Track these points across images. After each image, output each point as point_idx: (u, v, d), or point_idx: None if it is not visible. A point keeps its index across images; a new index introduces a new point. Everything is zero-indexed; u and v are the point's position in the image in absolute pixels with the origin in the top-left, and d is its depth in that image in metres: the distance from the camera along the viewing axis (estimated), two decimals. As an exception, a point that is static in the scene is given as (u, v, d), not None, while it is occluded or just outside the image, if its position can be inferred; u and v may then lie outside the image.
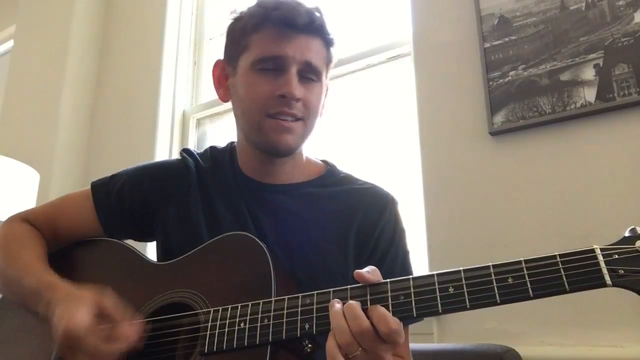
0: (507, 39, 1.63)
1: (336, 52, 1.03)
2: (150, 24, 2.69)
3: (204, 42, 2.71)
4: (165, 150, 2.47)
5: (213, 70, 1.06)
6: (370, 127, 2.06)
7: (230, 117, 2.59)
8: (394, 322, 0.69)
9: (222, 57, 1.05)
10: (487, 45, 1.66)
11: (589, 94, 1.46)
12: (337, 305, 0.72)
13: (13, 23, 3.20)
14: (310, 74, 0.96)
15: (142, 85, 2.61)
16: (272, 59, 0.93)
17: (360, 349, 0.69)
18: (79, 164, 2.67)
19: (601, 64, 1.46)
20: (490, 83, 1.62)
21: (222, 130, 2.51)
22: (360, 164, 1.99)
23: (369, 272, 0.75)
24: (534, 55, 1.58)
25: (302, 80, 0.95)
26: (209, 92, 2.60)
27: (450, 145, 1.68)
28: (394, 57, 2.03)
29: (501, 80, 1.61)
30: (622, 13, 1.47)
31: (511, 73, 1.60)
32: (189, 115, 2.57)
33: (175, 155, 2.43)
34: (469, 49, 1.71)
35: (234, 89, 1.01)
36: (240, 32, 0.98)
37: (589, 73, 1.48)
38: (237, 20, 1.00)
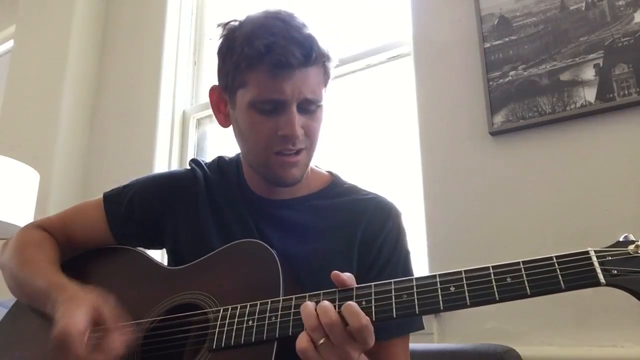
0: (507, 39, 1.63)
1: (334, 65, 1.00)
2: (150, 24, 2.69)
3: (204, 42, 2.71)
4: (165, 150, 2.47)
5: (210, 96, 1.04)
6: (370, 127, 2.06)
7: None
8: (365, 319, 0.72)
9: (216, 82, 1.02)
10: (487, 45, 1.66)
11: (589, 94, 1.46)
12: (309, 302, 0.76)
13: (13, 23, 3.20)
14: (311, 105, 0.94)
15: (142, 85, 2.61)
16: (270, 101, 0.91)
17: (324, 338, 0.72)
18: (79, 164, 2.67)
19: (601, 64, 1.47)
20: (490, 83, 1.62)
21: (222, 130, 2.50)
22: (360, 164, 1.99)
23: (348, 277, 0.79)
24: (534, 55, 1.58)
25: (303, 113, 0.94)
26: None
27: (450, 145, 1.68)
28: (394, 57, 2.03)
29: (501, 80, 1.61)
30: (622, 13, 1.47)
31: (511, 73, 1.60)
32: (189, 115, 2.57)
33: (175, 156, 2.47)
34: (469, 49, 1.71)
35: (234, 121, 1.00)
36: (234, 67, 0.94)
37: (589, 73, 1.48)
38: (228, 48, 0.96)
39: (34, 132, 2.72)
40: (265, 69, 0.89)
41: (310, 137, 0.96)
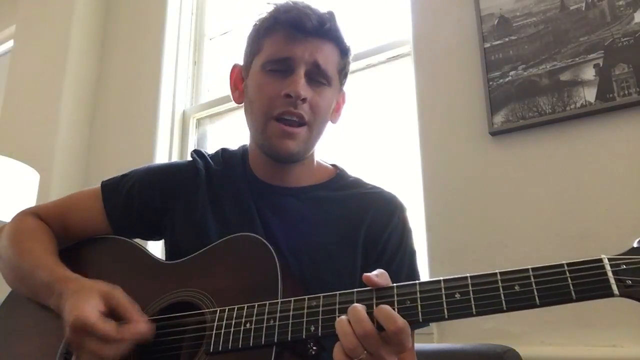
0: (507, 39, 1.63)
1: (351, 61, 1.04)
2: (150, 24, 2.69)
3: (204, 42, 2.71)
4: (165, 150, 2.47)
5: (230, 74, 1.08)
6: (370, 127, 2.06)
7: (230, 117, 2.60)
8: (401, 321, 0.69)
9: (239, 62, 1.07)
10: (487, 45, 1.66)
11: (589, 94, 1.46)
12: (344, 317, 0.72)
13: (13, 23, 3.20)
14: (320, 77, 0.97)
15: (142, 85, 2.61)
16: (280, 60, 0.95)
17: (365, 352, 0.69)
18: (79, 164, 2.67)
19: (601, 64, 1.46)
20: (490, 83, 1.62)
21: (222, 130, 2.51)
22: (361, 164, 1.99)
23: (377, 275, 0.75)
24: (534, 55, 1.58)
25: (311, 83, 0.96)
26: (209, 92, 2.60)
27: (450, 145, 1.68)
28: (394, 57, 2.03)
29: (501, 80, 1.61)
30: (622, 13, 1.47)
31: (511, 73, 1.60)
32: (189, 115, 2.57)
33: (175, 156, 2.47)
34: (469, 49, 1.71)
35: (246, 91, 1.03)
36: (254, 36, 1.01)
37: (589, 73, 1.48)
38: (254, 26, 1.03)
39: (34, 132, 2.71)
40: (281, 29, 0.96)
41: (315, 112, 0.96)
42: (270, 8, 1.01)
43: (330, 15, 0.99)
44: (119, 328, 0.81)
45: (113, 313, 0.84)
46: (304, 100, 0.94)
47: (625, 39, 1.45)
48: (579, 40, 1.52)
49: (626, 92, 1.41)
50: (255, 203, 1.01)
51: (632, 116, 1.41)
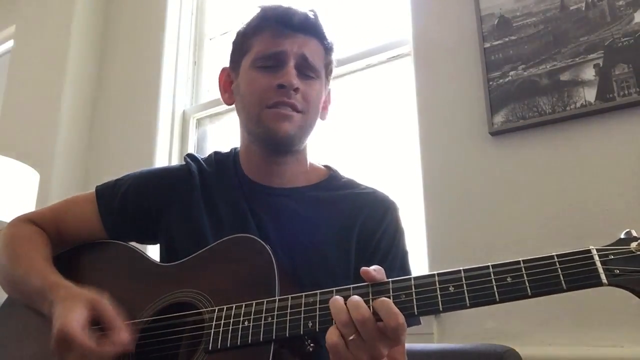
0: (507, 39, 1.63)
1: (335, 58, 1.07)
2: (150, 24, 2.69)
3: (204, 42, 2.71)
4: (165, 150, 2.47)
5: (219, 77, 1.10)
6: (370, 127, 2.06)
7: (230, 117, 2.60)
8: (402, 317, 0.70)
9: (227, 65, 1.10)
10: (487, 45, 1.66)
11: (589, 94, 1.46)
12: (338, 297, 0.74)
13: (13, 23, 3.20)
14: (308, 70, 1.00)
15: (142, 85, 2.61)
16: (270, 55, 0.98)
17: (355, 332, 0.70)
18: (79, 164, 2.67)
19: (601, 64, 1.47)
20: (490, 83, 1.62)
21: (222, 130, 2.51)
22: (360, 164, 1.99)
23: (375, 270, 0.76)
24: (534, 55, 1.58)
25: (300, 76, 0.98)
26: (209, 92, 2.60)
27: (450, 145, 1.68)
28: (394, 57, 2.03)
29: (501, 80, 1.61)
30: (622, 13, 1.47)
31: (511, 73, 1.60)
32: (189, 115, 2.58)
33: (175, 156, 2.47)
34: (469, 49, 1.71)
35: (237, 90, 1.04)
36: (242, 37, 1.05)
37: (589, 73, 1.48)
38: (239, 31, 1.07)
39: (34, 132, 2.71)
40: (269, 27, 1.00)
41: (307, 102, 0.99)
42: (256, 11, 1.05)
43: (314, 13, 1.03)
44: (100, 340, 0.82)
45: (98, 321, 0.85)
46: (296, 90, 0.96)
47: (625, 39, 1.45)
48: (579, 40, 1.52)
49: (626, 92, 1.41)
50: (248, 204, 1.02)
51: (632, 116, 1.41)
